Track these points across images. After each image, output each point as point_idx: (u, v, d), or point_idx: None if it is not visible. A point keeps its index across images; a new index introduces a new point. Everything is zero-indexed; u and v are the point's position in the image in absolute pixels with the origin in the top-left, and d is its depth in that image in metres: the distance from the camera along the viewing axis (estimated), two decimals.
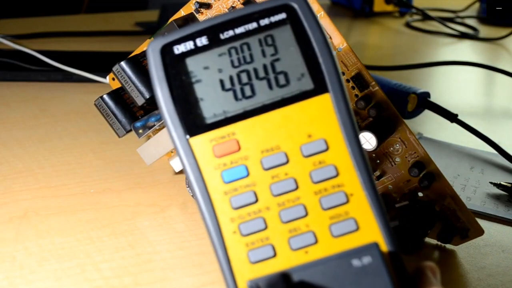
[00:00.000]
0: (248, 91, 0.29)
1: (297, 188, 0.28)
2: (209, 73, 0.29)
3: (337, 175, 0.28)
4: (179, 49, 0.29)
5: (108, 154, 0.56)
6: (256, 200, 0.28)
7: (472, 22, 1.21)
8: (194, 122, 0.28)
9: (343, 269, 0.27)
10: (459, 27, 1.15)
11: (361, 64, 0.45)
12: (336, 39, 0.45)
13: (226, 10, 0.47)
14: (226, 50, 0.29)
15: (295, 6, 0.29)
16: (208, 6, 0.48)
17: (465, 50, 1.07)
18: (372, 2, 1.20)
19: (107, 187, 0.50)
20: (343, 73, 0.45)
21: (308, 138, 0.28)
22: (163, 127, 0.48)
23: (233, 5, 0.47)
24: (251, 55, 0.29)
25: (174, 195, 0.49)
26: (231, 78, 0.29)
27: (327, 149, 0.28)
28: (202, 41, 0.29)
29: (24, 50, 0.79)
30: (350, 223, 0.27)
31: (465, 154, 0.60)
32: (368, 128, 0.43)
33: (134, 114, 0.50)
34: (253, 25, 0.29)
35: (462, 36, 1.10)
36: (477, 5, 1.29)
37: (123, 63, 0.47)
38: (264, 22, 0.29)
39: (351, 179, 0.28)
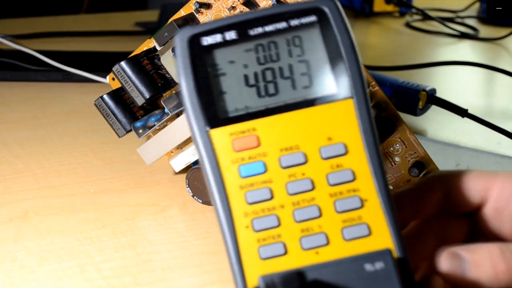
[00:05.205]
0: (271, 89, 0.29)
1: (313, 189, 0.28)
2: (234, 68, 0.29)
3: (353, 179, 0.28)
4: (207, 40, 0.29)
5: (108, 154, 0.56)
6: (271, 197, 0.28)
7: (472, 22, 1.21)
8: (215, 115, 0.28)
9: (355, 272, 0.27)
10: (459, 27, 1.14)
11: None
12: None
13: (226, 10, 0.47)
14: (253, 46, 0.29)
15: (326, 10, 0.29)
16: (208, 6, 0.48)
17: (465, 50, 1.07)
18: (372, 2, 1.20)
19: (107, 187, 0.50)
20: None
21: (328, 140, 0.28)
22: (163, 127, 0.48)
23: (233, 5, 0.47)
24: (277, 54, 0.29)
25: (174, 195, 0.49)
26: (255, 75, 0.29)
27: (346, 153, 0.28)
28: (231, 35, 0.29)
29: (24, 50, 0.79)
30: (363, 227, 0.27)
31: (464, 154, 0.60)
32: None
33: (134, 114, 0.50)
34: (283, 24, 0.29)
35: (462, 36, 1.10)
36: (477, 5, 1.29)
37: (123, 63, 0.47)
38: (294, 22, 0.29)
39: (367, 185, 0.28)
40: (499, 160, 0.59)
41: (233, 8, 0.47)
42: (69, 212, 0.46)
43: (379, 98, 0.44)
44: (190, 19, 0.47)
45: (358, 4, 1.22)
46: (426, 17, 1.20)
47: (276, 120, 0.28)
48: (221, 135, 0.28)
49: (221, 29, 0.29)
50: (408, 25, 1.17)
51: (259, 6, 0.46)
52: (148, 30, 1.01)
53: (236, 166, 0.28)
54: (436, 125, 0.68)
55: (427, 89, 0.64)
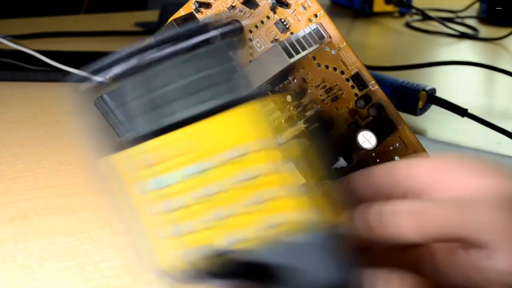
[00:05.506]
0: (170, 109, 0.29)
1: (220, 191, 0.28)
2: (132, 95, 0.29)
3: (262, 174, 0.28)
4: (104, 76, 0.29)
5: None
6: (182, 206, 0.28)
7: (472, 22, 1.21)
8: (116, 140, 0.29)
9: (280, 248, 0.27)
10: (459, 27, 1.14)
11: (360, 63, 0.45)
12: (336, 39, 0.45)
13: (226, 9, 0.47)
14: (150, 72, 0.29)
15: (218, 28, 0.29)
16: (207, 5, 0.48)
17: (465, 50, 1.07)
18: (372, 2, 1.20)
19: None
20: (343, 72, 0.45)
21: (230, 145, 0.28)
22: None
23: (233, 5, 0.47)
24: (173, 75, 0.29)
25: None
26: (155, 98, 0.29)
27: (250, 152, 0.28)
28: (125, 66, 0.29)
29: (24, 50, 0.79)
30: (280, 214, 0.27)
31: (465, 154, 0.60)
32: (367, 127, 0.43)
33: None
34: (175, 48, 0.29)
35: (462, 36, 1.10)
36: (477, 5, 1.29)
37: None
38: (188, 43, 0.29)
39: (274, 177, 0.27)
40: (499, 160, 0.59)
41: (233, 7, 0.47)
42: (69, 212, 0.46)
43: (378, 97, 0.44)
44: (189, 19, 0.47)
45: (358, 4, 1.22)
46: (426, 17, 1.20)
47: (177, 135, 0.28)
48: (122, 159, 0.28)
49: (115, 63, 0.29)
50: (408, 25, 1.17)
51: (259, 5, 0.46)
52: (148, 30, 1.01)
53: (141, 184, 0.28)
54: (436, 125, 0.68)
55: (427, 89, 0.64)
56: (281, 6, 0.46)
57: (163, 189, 0.28)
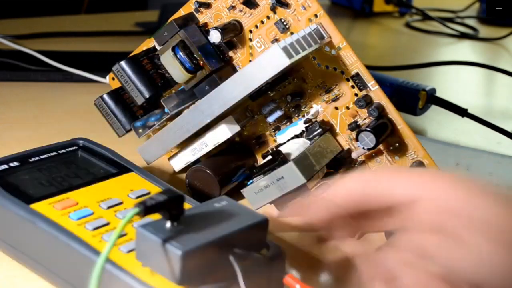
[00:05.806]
0: (67, 184, 0.40)
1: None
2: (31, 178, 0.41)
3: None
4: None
5: None
6: (108, 223, 0.37)
7: (472, 22, 1.21)
8: (31, 197, 0.38)
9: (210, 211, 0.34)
10: (459, 27, 1.15)
11: (360, 63, 0.45)
12: (336, 38, 0.45)
13: (226, 9, 0.47)
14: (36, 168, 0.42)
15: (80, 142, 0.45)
16: (207, 5, 0.48)
17: (465, 50, 1.07)
18: (372, 2, 1.20)
19: None
20: (343, 72, 0.45)
21: (130, 190, 0.40)
22: (163, 126, 0.48)
23: (233, 5, 0.47)
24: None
25: None
26: (49, 180, 0.40)
27: (149, 192, 0.40)
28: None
29: (24, 50, 0.79)
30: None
31: (464, 154, 0.60)
32: (368, 127, 0.43)
33: (134, 113, 0.50)
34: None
35: (462, 36, 1.10)
36: (477, 5, 1.29)
37: (123, 63, 0.47)
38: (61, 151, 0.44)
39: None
40: (499, 160, 0.59)
41: (233, 7, 0.47)
42: None
43: (379, 97, 0.44)
44: (190, 19, 0.47)
45: (358, 4, 1.22)
46: (426, 17, 1.20)
47: (90, 188, 0.40)
48: (42, 205, 0.38)
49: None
50: (408, 25, 1.17)
51: (259, 5, 0.46)
52: (148, 30, 1.01)
53: (66, 216, 0.37)
54: (436, 125, 0.68)
55: (427, 88, 0.64)
56: (281, 6, 0.46)
57: (85, 218, 0.37)
